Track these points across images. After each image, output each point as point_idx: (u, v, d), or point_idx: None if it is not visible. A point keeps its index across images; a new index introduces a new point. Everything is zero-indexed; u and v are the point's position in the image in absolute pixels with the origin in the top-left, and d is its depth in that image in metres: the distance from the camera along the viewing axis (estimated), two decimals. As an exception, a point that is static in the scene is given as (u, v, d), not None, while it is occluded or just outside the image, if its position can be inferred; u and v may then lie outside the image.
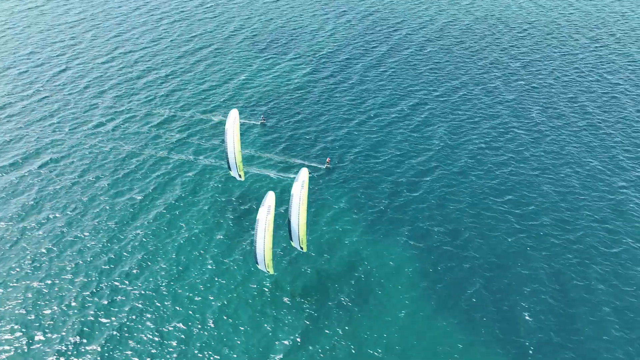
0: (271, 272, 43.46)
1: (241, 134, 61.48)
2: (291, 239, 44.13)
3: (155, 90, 74.49)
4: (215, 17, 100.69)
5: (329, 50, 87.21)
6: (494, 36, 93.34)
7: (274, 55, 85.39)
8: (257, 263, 42.49)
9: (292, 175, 56.16)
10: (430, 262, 46.55)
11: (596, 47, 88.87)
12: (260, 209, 40.38)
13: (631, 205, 53.49)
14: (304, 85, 76.29)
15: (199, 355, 38.37)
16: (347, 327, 40.45)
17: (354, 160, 60.08)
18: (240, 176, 53.94)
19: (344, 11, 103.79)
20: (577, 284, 44.64)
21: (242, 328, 40.49)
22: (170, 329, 40.31)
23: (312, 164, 58.72)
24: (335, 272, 45.61)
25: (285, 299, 42.83)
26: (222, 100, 72.21)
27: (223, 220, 51.06)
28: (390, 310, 41.89)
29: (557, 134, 65.42)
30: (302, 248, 44.74)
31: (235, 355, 38.37)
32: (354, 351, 38.65)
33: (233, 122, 50.13)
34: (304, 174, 42.48)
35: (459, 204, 53.36)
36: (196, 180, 56.68)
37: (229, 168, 52.98)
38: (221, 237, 49.05)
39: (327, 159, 59.05)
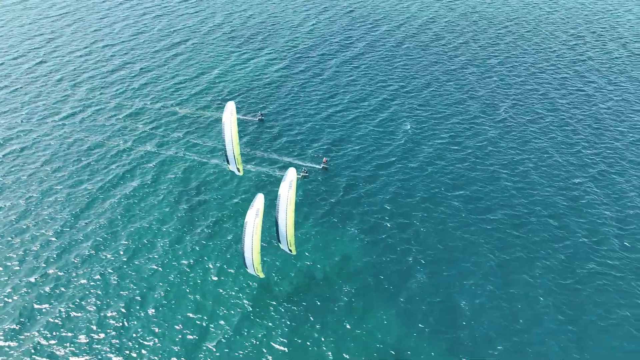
0: (261, 275, 42.19)
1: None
2: (279, 241, 42.20)
3: (128, 83, 75.09)
4: (197, 12, 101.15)
5: (306, 46, 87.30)
6: (474, 33, 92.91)
7: (250, 50, 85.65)
8: (246, 267, 41.12)
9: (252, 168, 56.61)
10: (376, 254, 46.62)
11: (574, 44, 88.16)
12: (248, 212, 39.06)
13: (584, 201, 53.14)
14: (274, 80, 76.45)
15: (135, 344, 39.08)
16: (288, 320, 40.75)
17: (314, 155, 60.32)
18: (238, 170, 52.52)
19: (326, 8, 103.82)
20: (520, 278, 44.51)
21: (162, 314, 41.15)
22: (110, 314, 40.82)
23: (285, 159, 59.07)
24: (280, 262, 45.86)
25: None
26: (192, 93, 72.57)
27: (177, 210, 51.49)
28: (331, 301, 42.11)
29: (523, 130, 65.05)
30: (290, 250, 42.99)
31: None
32: (292, 339, 39.08)
33: (230, 114, 48.92)
34: (291, 174, 40.61)
35: (412, 198, 53.35)
36: (156, 170, 57.15)
37: (227, 162, 51.74)
38: (174, 226, 49.49)
39: (324, 159, 57.67)
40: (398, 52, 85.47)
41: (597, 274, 44.63)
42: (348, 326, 39.86)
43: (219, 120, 66.11)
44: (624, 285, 43.69)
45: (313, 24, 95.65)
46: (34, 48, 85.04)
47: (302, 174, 55.33)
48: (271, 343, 38.54)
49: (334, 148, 61.55)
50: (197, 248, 46.74)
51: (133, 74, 77.77)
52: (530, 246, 47.61)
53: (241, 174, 53.63)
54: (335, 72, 79.17)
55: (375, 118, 67.35)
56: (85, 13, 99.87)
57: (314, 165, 57.80)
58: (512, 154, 60.26)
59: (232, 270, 44.65)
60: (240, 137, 62.54)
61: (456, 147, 61.62)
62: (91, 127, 64.81)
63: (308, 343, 38.72)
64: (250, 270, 41.18)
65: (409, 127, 65.12)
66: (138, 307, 41.43)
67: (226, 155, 50.79)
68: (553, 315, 41.03)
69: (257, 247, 39.33)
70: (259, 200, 39.42)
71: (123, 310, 41.16)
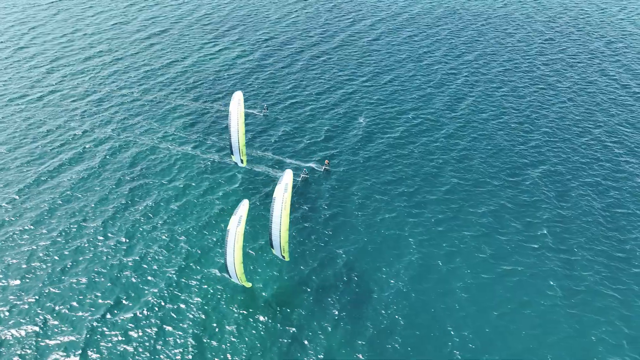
0: (247, 285, 40.63)
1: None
2: (272, 246, 40.20)
3: (99, 70, 76.94)
4: (184, 3, 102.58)
5: (282, 39, 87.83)
6: (455, 28, 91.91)
7: (223, 42, 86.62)
8: (229, 277, 39.73)
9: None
10: (301, 245, 46.75)
11: (548, 39, 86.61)
12: (231, 218, 37.34)
13: (525, 197, 52.65)
14: (242, 71, 77.14)
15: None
16: (207, 306, 40.93)
17: (265, 151, 60.50)
18: (242, 161, 51.71)
19: (309, 3, 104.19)
20: (438, 273, 44.32)
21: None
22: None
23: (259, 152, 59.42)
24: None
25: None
26: (157, 82, 73.78)
27: (114, 191, 52.78)
28: (252, 289, 42.35)
29: (479, 125, 64.45)
30: (283, 257, 40.95)
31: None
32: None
33: (237, 104, 48.53)
34: (287, 176, 38.56)
35: (350, 193, 53.26)
36: (103, 153, 58.55)
37: (232, 152, 51.24)
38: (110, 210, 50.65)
39: (326, 161, 56.05)
40: (376, 46, 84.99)
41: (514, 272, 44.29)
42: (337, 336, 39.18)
43: (182, 106, 67.38)
44: (539, 282, 43.15)
45: (295, 16, 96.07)
46: (18, 34, 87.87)
47: (302, 175, 54.30)
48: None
49: (287, 142, 61.66)
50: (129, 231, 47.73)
51: (107, 61, 79.62)
52: (454, 241, 47.19)
53: (244, 165, 53.10)
54: (306, 64, 79.22)
55: (337, 112, 67.36)
56: (72, 3, 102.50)
57: (316, 167, 56.94)
58: (461, 151, 59.56)
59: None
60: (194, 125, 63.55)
61: (406, 141, 61.23)
62: (47, 108, 66.90)
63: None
64: (234, 280, 39.75)
65: (362, 121, 65.19)
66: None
67: (231, 146, 50.13)
68: (466, 311, 40.72)
69: (239, 256, 37.64)
70: (243, 207, 37.78)
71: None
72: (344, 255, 45.50)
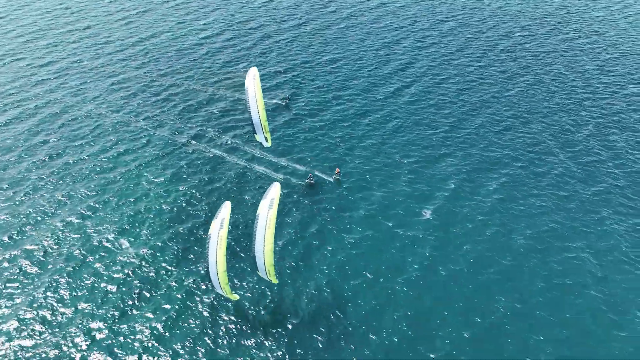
0: (233, 297, 37.70)
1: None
2: (257, 269, 36.80)
3: (66, 40, 76.00)
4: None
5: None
6: (437, 22, 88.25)
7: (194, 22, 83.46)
8: (213, 287, 36.57)
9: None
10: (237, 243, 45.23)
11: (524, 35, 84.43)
12: (213, 222, 34.62)
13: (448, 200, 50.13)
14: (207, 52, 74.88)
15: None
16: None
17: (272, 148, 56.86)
18: (266, 140, 48.33)
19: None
20: (358, 270, 42.82)
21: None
22: None
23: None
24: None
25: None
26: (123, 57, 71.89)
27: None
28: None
29: (430, 123, 61.81)
30: (270, 280, 37.55)
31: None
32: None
33: (253, 79, 45.93)
34: (274, 191, 35.68)
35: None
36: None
37: (254, 131, 47.85)
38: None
39: (337, 169, 51.42)
40: (339, 38, 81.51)
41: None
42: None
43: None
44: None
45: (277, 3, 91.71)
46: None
47: (307, 180, 50.76)
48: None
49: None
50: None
51: (79, 35, 76.65)
52: (378, 239, 45.65)
53: (269, 144, 49.75)
54: (266, 49, 76.55)
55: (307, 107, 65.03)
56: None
57: (325, 177, 52.38)
58: (413, 149, 57.36)
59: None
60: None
61: (361, 139, 59.53)
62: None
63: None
64: (218, 291, 36.46)
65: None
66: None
67: (252, 124, 46.79)
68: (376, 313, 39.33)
69: (222, 263, 34.67)
70: (225, 209, 35.38)
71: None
72: (334, 277, 42.14)
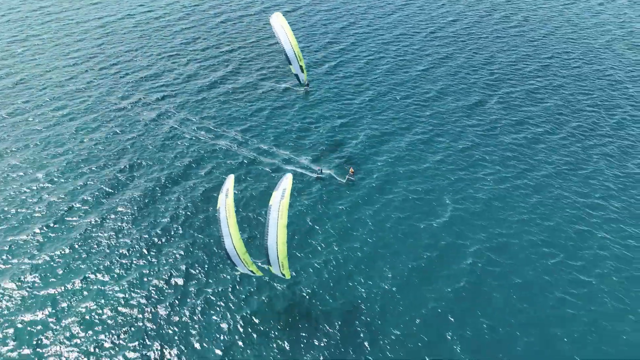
0: (258, 273, 35.39)
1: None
2: (269, 263, 34.38)
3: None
4: None
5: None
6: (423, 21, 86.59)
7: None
8: (235, 266, 34.19)
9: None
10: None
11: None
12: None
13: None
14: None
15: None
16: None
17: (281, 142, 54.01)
18: (302, 70, 52.96)
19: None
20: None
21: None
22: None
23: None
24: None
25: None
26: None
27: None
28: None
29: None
30: (283, 275, 34.89)
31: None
32: None
33: (277, 18, 51.27)
34: (286, 181, 34.17)
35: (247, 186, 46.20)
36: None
37: (289, 63, 51.74)
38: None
39: (351, 169, 44.89)
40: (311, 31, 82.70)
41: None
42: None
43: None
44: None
45: None
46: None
47: (316, 175, 46.10)
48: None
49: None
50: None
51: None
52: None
53: (305, 81, 53.97)
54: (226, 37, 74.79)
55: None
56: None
57: (337, 178, 45.89)
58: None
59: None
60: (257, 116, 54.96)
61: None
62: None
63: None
64: (241, 269, 34.60)
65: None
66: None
67: (288, 59, 51.17)
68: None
69: (236, 232, 33.06)
70: (229, 181, 34.67)
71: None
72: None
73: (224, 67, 66.20)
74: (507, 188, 45.14)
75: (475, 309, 34.22)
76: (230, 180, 34.55)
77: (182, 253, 38.91)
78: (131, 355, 31.73)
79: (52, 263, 37.85)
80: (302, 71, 51.40)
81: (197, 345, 32.52)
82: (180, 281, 36.83)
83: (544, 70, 65.69)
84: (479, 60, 68.45)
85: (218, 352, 32.20)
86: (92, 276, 36.90)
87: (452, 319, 33.61)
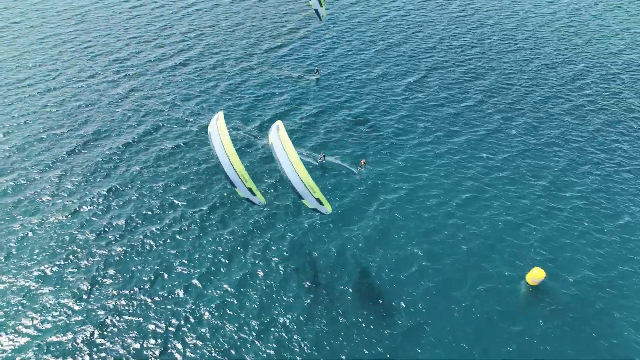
0: (259, 196, 33.61)
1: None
2: (301, 198, 32.19)
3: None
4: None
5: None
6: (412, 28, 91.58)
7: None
8: (235, 187, 33.21)
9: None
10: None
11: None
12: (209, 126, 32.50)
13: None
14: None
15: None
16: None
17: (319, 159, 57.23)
18: (321, 4, 51.79)
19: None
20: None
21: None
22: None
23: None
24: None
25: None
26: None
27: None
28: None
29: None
30: (323, 206, 32.75)
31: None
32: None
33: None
34: (275, 125, 32.20)
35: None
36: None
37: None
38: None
39: (362, 161, 44.18)
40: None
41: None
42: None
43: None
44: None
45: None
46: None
47: (319, 160, 45.58)
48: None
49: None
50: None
51: None
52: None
53: (325, 15, 53.98)
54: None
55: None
56: None
57: (350, 167, 45.50)
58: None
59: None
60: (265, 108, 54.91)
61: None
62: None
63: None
64: (241, 190, 32.54)
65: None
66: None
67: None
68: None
69: (232, 152, 30.97)
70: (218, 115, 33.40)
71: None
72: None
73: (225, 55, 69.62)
74: (426, 152, 48.87)
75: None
76: (219, 114, 32.96)
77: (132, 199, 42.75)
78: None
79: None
80: (321, 4, 49.83)
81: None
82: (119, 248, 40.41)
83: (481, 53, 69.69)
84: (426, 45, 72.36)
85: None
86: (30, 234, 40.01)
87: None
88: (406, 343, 30.95)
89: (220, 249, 37.76)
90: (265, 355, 30.34)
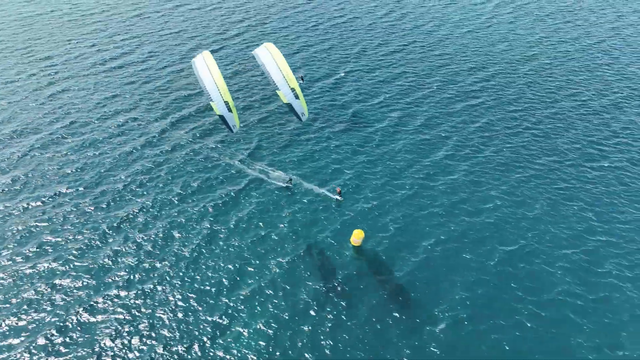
0: (237, 124, 34.17)
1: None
2: (278, 88, 33.40)
3: None
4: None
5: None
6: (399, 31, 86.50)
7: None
8: (227, 124, 32.98)
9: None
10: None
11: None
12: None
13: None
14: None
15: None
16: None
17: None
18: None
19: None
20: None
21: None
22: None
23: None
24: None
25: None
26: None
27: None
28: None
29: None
30: (303, 114, 34.93)
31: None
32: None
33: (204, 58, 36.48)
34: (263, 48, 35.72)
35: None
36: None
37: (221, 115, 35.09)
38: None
39: (338, 189, 43.36)
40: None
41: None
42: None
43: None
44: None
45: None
46: None
47: (286, 184, 44.29)
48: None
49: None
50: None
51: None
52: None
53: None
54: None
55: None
56: None
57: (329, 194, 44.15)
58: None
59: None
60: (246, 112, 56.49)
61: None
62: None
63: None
64: (220, 109, 32.50)
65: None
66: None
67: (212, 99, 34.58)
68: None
69: (213, 63, 32.18)
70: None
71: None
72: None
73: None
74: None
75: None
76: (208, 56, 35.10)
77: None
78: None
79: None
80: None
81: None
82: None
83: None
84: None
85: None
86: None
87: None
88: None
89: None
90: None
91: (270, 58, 35.02)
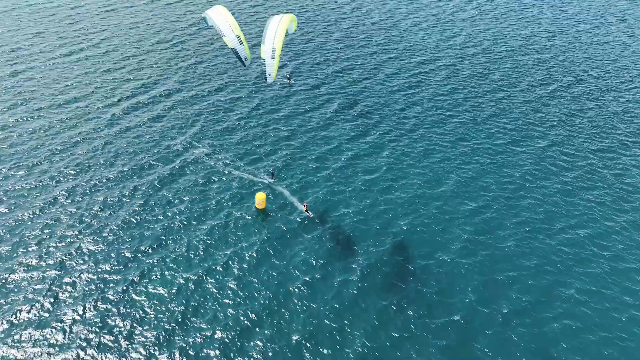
0: (249, 56, 37.97)
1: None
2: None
3: None
4: None
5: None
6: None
7: None
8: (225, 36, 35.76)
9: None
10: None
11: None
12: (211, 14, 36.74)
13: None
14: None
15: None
16: None
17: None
18: (246, 58, 38.86)
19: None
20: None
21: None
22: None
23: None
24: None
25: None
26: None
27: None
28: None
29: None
30: (242, 45, 36.99)
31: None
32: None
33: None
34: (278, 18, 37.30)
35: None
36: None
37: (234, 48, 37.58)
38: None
39: (304, 205, 43.78)
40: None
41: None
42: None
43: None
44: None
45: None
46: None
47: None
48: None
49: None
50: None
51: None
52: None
53: (249, 57, 39.90)
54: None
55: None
56: None
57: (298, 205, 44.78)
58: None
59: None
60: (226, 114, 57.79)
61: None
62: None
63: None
64: (232, 43, 36.36)
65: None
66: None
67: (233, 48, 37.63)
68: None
69: (228, 14, 35.99)
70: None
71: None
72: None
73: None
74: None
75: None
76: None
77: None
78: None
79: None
80: (243, 43, 38.95)
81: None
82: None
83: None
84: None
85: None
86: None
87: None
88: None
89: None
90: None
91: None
